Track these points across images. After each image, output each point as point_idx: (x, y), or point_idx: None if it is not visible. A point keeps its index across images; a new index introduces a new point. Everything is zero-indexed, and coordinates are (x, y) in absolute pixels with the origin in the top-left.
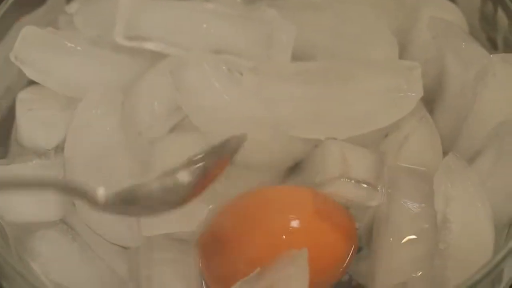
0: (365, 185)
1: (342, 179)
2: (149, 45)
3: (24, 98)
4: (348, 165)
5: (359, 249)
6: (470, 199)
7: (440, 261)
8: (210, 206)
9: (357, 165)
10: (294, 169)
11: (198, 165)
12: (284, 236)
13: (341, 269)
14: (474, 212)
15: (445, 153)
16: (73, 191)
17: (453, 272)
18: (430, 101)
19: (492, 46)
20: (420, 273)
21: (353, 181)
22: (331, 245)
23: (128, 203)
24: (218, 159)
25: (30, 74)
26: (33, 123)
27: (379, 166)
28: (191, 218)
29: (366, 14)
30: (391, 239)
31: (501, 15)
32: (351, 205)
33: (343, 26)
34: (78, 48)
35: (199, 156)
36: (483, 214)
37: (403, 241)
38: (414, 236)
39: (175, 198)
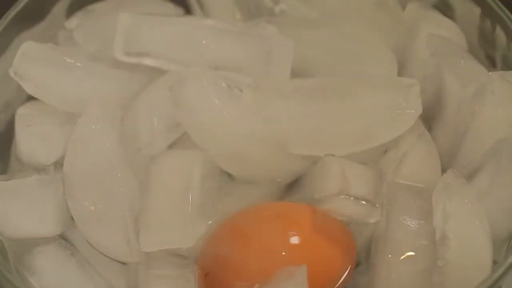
0: (364, 202)
1: (341, 196)
2: (148, 61)
3: (23, 113)
4: (347, 182)
5: (357, 264)
6: (468, 217)
7: (438, 278)
8: (210, 222)
9: (356, 182)
10: (293, 185)
11: None
12: (283, 253)
13: (339, 286)
14: (473, 229)
15: (443, 170)
16: None
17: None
18: (429, 118)
19: (491, 63)
20: None
21: (352, 198)
22: (330, 262)
23: None
24: None
25: (30, 89)
26: (32, 139)
27: (378, 182)
28: (190, 234)
29: (364, 31)
30: (389, 255)
31: (499, 33)
32: (350, 221)
33: (341, 43)
34: (78, 64)
35: None
36: (481, 231)
37: (402, 257)
38: (412, 253)
39: None
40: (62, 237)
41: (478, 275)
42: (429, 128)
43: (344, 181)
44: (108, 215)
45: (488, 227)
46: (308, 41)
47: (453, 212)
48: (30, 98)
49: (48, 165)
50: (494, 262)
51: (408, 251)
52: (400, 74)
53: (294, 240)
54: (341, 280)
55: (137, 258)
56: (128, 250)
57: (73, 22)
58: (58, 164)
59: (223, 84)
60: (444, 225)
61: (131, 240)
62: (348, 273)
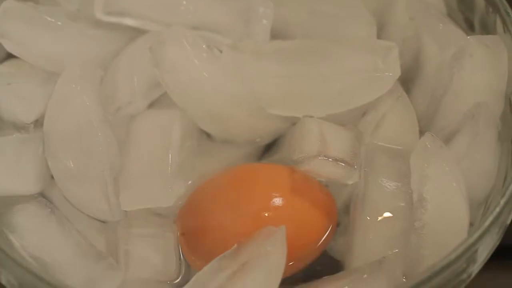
0: (342, 164)
1: (319, 157)
2: (129, 21)
3: (2, 72)
4: (325, 143)
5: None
6: (446, 179)
7: (415, 240)
8: (190, 182)
9: (335, 143)
10: (272, 146)
11: None
12: (262, 213)
13: (319, 247)
14: (450, 192)
15: (421, 133)
16: None
17: (429, 250)
18: (407, 80)
19: (469, 28)
20: (396, 250)
21: (330, 159)
22: (310, 222)
23: None
24: None
25: (9, 47)
26: (12, 97)
27: (356, 144)
28: (170, 193)
29: None
30: (367, 217)
31: None
32: (328, 183)
33: (321, 5)
34: (58, 23)
35: None
36: (458, 194)
37: (379, 218)
38: (390, 214)
39: None
40: (42, 195)
41: (455, 237)
42: (407, 90)
43: (322, 142)
44: (88, 173)
45: (465, 190)
46: (288, 2)
47: (431, 175)
48: (10, 56)
49: (28, 124)
50: (471, 225)
51: (386, 212)
52: (379, 37)
53: (273, 201)
54: (321, 240)
55: (117, 217)
56: (108, 209)
57: None
58: (39, 123)
59: (203, 45)
60: (422, 187)
61: (111, 198)
62: (329, 233)
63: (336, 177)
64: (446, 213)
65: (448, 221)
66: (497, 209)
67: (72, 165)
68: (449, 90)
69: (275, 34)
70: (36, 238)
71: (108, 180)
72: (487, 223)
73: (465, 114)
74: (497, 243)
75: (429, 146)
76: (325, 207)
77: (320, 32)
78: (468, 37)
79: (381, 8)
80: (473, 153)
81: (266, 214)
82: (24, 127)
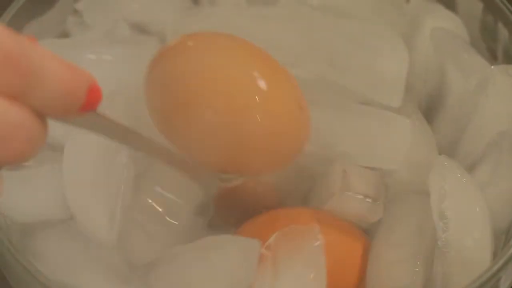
0: (367, 199)
1: (343, 193)
2: None
3: None
4: (349, 180)
5: None
6: (464, 194)
7: (440, 259)
8: None
9: (358, 180)
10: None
11: None
12: None
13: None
14: (469, 206)
15: None
16: None
17: (455, 268)
18: (431, 109)
19: (492, 57)
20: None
21: (355, 195)
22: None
23: None
24: None
25: None
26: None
27: (379, 181)
28: None
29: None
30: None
31: (501, 27)
32: (353, 220)
33: (362, 35)
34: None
35: None
36: (478, 208)
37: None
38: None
39: None
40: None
41: (478, 253)
42: (431, 119)
43: (346, 179)
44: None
45: (485, 203)
46: (325, 31)
47: (449, 191)
48: None
49: None
50: (494, 254)
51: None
52: None
53: None
54: None
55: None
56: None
57: (81, 4)
58: None
59: None
60: (441, 204)
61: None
62: None
63: (361, 213)
64: (468, 228)
65: (471, 236)
66: None
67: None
68: (473, 120)
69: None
70: (62, 263)
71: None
72: (510, 251)
73: (489, 142)
74: None
75: (446, 164)
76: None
77: (354, 61)
78: (492, 67)
79: (405, 37)
80: (496, 181)
81: None
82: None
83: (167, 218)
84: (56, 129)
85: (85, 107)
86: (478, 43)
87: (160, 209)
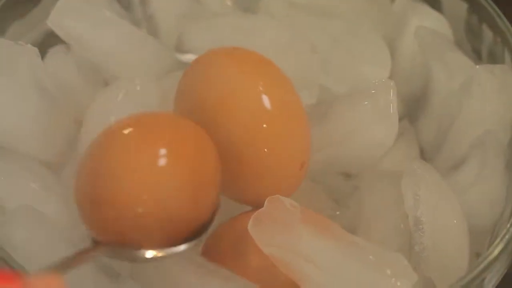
0: None
1: None
2: None
3: None
4: None
5: None
6: (438, 199)
7: (418, 264)
8: None
9: None
10: None
11: None
12: None
13: None
14: (445, 210)
15: (429, 161)
16: None
17: (434, 272)
18: (415, 108)
19: (477, 57)
20: None
21: None
22: None
23: None
24: None
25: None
26: None
27: None
28: None
29: (363, 25)
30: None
31: (485, 27)
32: None
33: (346, 37)
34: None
35: None
36: (453, 211)
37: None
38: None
39: None
40: None
41: (457, 254)
42: (415, 118)
43: None
44: None
45: (459, 206)
46: (316, 30)
47: (423, 197)
48: None
49: None
50: (477, 254)
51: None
52: None
53: None
54: None
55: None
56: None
57: None
58: None
59: None
60: (416, 210)
61: None
62: None
63: None
64: (444, 232)
65: (448, 240)
66: (507, 237)
67: None
68: (458, 119)
69: None
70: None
71: None
72: (496, 251)
73: (473, 142)
74: (505, 271)
75: (418, 170)
76: None
77: (338, 63)
78: (477, 66)
79: (390, 35)
80: (481, 181)
81: None
82: None
83: None
84: None
85: None
86: (462, 43)
87: None
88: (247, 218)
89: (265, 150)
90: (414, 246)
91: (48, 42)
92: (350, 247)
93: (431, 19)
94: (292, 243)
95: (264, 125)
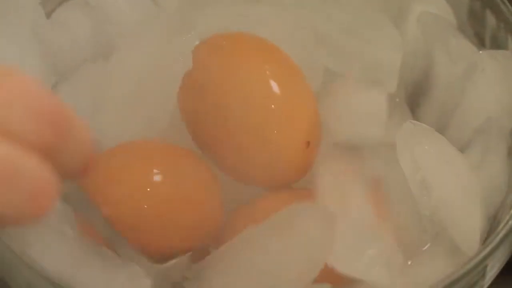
0: None
1: None
2: None
3: None
4: None
5: None
6: (439, 156)
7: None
8: None
9: None
10: None
11: None
12: None
13: None
14: (448, 167)
15: None
16: None
17: (452, 229)
18: (418, 95)
19: (480, 43)
20: None
21: None
22: None
23: None
24: None
25: None
26: None
27: None
28: None
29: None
30: None
31: (489, 12)
32: None
33: (356, 26)
34: None
35: None
36: (458, 167)
37: None
38: None
39: None
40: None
41: (470, 213)
42: (417, 105)
43: None
44: None
45: (463, 161)
46: (321, 18)
47: (421, 158)
48: None
49: None
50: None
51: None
52: None
53: None
54: None
55: None
56: None
57: None
58: None
59: None
60: (418, 172)
61: None
62: None
63: None
64: (451, 190)
65: (458, 197)
66: (510, 223)
67: None
68: (460, 105)
69: None
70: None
71: None
72: (498, 237)
73: (476, 128)
74: (507, 259)
75: (414, 130)
76: None
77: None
78: (480, 52)
79: (392, 22)
80: (483, 168)
81: None
82: None
83: None
84: None
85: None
86: (465, 28)
87: None
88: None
89: (274, 131)
90: (423, 213)
91: None
92: None
93: (434, 5)
94: None
95: (272, 106)
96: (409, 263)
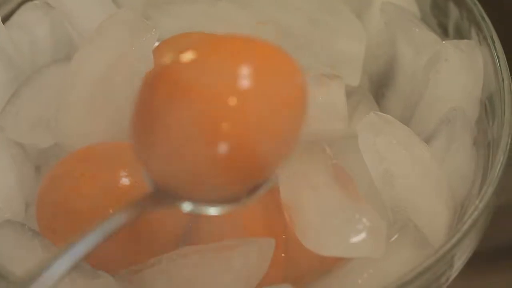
0: None
1: None
2: None
3: None
4: None
5: None
6: (402, 147)
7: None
8: None
9: None
10: None
11: None
12: None
13: None
14: (411, 157)
15: None
16: None
17: (419, 221)
18: (382, 85)
19: (444, 32)
20: None
21: None
22: None
23: None
24: None
25: None
26: None
27: None
28: None
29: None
30: None
31: (452, 3)
32: None
33: (321, 15)
34: None
35: None
36: (422, 157)
37: None
38: None
39: None
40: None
41: (436, 202)
42: (382, 95)
43: None
44: None
45: (428, 150)
46: (292, 10)
47: (384, 149)
48: None
49: None
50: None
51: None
52: None
53: None
54: None
55: None
56: None
57: None
58: None
59: None
60: (382, 163)
61: None
62: None
63: None
64: (417, 181)
65: (423, 187)
66: (476, 213)
67: None
68: (425, 95)
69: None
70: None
71: None
72: (465, 227)
73: (441, 118)
74: (474, 248)
75: (376, 122)
76: None
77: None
78: (444, 42)
79: (355, 12)
80: (449, 158)
81: None
82: None
83: None
84: None
85: None
86: (429, 18)
87: None
88: None
89: None
90: (387, 204)
91: None
92: None
93: None
94: None
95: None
96: None
